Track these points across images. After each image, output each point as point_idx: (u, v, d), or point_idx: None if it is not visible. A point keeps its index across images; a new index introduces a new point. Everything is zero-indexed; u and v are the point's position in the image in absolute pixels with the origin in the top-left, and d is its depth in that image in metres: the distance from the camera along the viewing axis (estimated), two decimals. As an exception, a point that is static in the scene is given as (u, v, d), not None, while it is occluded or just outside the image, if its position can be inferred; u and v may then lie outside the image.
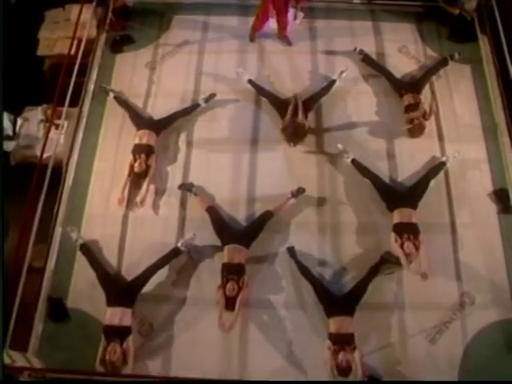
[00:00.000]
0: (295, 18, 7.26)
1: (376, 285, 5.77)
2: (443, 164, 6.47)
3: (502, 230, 6.16)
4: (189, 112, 6.86)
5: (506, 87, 6.63)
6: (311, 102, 6.83)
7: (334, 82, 7.00)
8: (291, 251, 5.97)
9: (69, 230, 6.08)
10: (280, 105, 6.80)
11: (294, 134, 6.52)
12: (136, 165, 6.31)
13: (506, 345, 5.58)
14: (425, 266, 5.72)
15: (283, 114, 6.67)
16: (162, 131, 6.66)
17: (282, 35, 7.48)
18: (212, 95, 6.91)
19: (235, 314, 5.56)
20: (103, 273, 5.81)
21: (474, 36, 7.43)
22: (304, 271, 5.81)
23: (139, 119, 6.73)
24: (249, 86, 6.99)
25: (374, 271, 5.82)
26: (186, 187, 6.37)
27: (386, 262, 5.89)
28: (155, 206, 6.31)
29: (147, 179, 6.35)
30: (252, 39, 7.54)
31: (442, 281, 5.87)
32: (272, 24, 7.37)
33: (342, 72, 7.03)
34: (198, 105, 6.89)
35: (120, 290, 5.67)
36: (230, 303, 5.58)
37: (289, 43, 7.52)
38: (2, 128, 6.70)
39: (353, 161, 6.43)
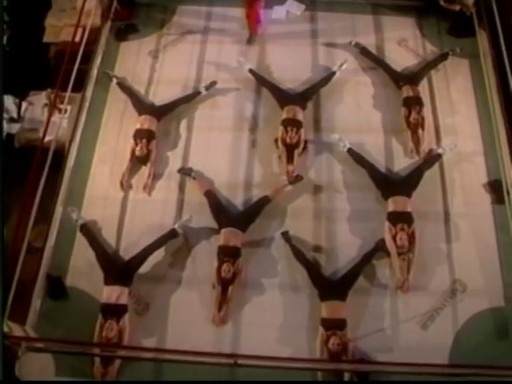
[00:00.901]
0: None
1: (370, 270, 5.86)
2: (439, 156, 6.55)
3: (495, 219, 6.24)
4: (190, 99, 6.97)
5: (503, 81, 6.68)
6: (310, 92, 6.93)
7: (333, 73, 7.10)
8: (286, 235, 6.06)
9: (70, 210, 6.20)
10: (279, 94, 6.91)
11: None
12: (137, 149, 6.43)
13: (496, 332, 5.66)
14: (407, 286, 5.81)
15: (282, 104, 6.77)
16: (163, 117, 6.78)
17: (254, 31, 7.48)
18: (213, 83, 7.03)
19: (226, 308, 5.67)
20: (102, 252, 5.92)
21: (473, 31, 7.51)
22: (298, 255, 5.90)
23: (141, 105, 6.85)
24: (249, 75, 7.10)
25: (368, 258, 5.91)
26: (185, 171, 6.48)
27: (379, 250, 5.98)
28: (153, 189, 6.43)
29: (149, 165, 6.46)
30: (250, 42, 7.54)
31: (434, 268, 5.96)
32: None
33: (341, 64, 7.13)
34: (198, 92, 7.00)
35: (118, 269, 5.78)
36: (224, 289, 5.69)
37: (250, 42, 7.51)
38: (2, 128, 6.85)
39: (349, 150, 6.53)
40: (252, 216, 6.09)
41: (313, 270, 5.84)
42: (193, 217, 6.11)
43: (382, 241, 6.00)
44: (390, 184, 6.30)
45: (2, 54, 6.22)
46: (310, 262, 5.91)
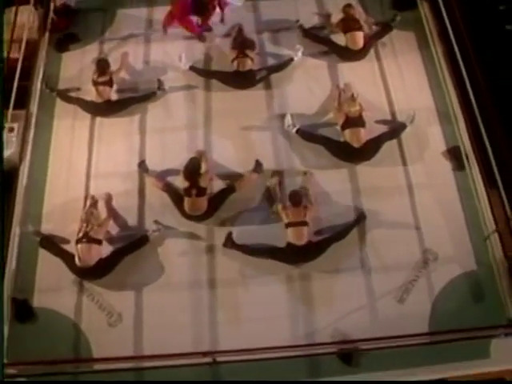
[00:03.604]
0: None
1: (340, 251, 5.84)
2: (404, 125, 6.55)
3: (458, 185, 6.28)
4: (144, 99, 6.87)
5: (450, 49, 6.75)
6: (262, 72, 6.92)
7: (291, 60, 7.04)
8: (228, 244, 5.92)
9: (28, 227, 6.05)
10: (227, 77, 6.89)
11: None
12: None
13: (472, 296, 5.71)
14: None
15: (234, 85, 6.87)
16: (115, 113, 6.75)
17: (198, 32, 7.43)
18: (161, 82, 6.90)
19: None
20: (70, 257, 5.73)
21: (415, 3, 7.56)
22: (253, 252, 5.83)
23: (90, 106, 6.74)
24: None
25: (348, 229, 5.93)
26: (143, 168, 6.37)
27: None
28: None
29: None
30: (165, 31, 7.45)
31: (403, 241, 5.97)
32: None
33: (298, 49, 7.05)
34: (153, 93, 6.87)
35: (91, 269, 5.66)
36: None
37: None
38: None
39: (298, 131, 6.51)
40: (216, 204, 6.03)
41: (272, 252, 5.79)
42: (161, 226, 6.02)
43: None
44: (350, 151, 6.29)
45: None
46: (267, 248, 5.83)
